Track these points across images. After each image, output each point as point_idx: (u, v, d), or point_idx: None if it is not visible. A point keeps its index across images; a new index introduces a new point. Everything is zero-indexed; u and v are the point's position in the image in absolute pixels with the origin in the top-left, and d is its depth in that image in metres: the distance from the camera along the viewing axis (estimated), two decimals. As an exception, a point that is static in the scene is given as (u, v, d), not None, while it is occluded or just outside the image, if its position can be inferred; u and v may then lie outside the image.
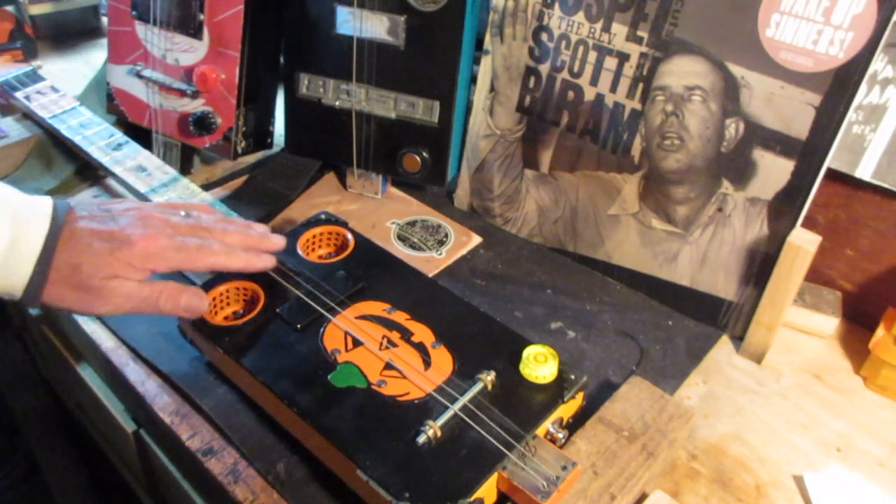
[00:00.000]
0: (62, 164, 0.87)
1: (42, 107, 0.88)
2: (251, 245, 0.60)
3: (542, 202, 0.80)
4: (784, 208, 0.66)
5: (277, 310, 0.61)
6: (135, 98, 0.87)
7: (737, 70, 0.65)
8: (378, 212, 0.85)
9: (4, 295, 0.52)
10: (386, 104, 0.80)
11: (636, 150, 0.72)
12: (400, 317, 0.61)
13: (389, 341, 0.59)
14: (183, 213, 0.59)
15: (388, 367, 0.57)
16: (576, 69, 0.73)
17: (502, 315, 0.71)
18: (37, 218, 0.51)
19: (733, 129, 0.66)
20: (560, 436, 0.54)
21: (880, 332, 0.69)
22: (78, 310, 0.54)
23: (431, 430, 0.51)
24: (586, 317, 0.73)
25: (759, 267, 0.69)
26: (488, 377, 0.55)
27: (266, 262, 0.61)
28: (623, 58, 0.70)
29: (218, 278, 0.64)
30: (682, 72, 0.67)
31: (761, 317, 0.68)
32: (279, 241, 0.63)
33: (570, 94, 0.75)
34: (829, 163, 0.64)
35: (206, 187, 0.83)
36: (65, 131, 0.84)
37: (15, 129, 0.90)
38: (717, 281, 0.72)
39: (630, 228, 0.75)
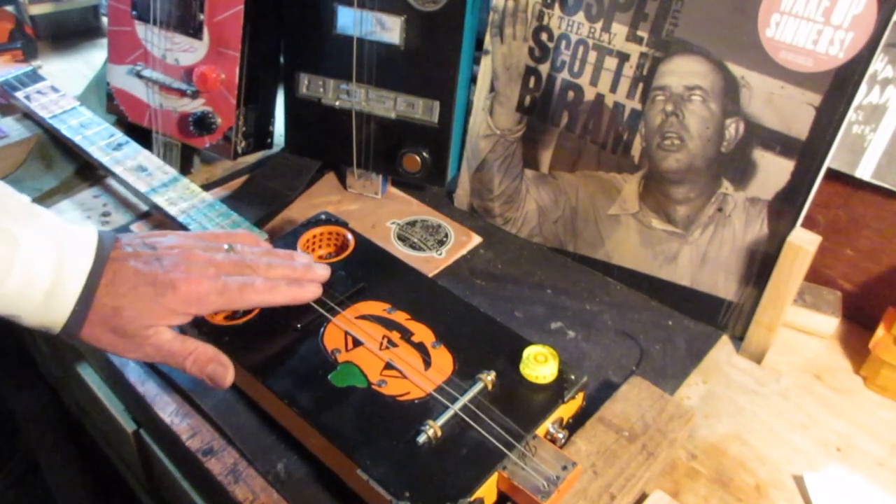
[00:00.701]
0: (62, 164, 0.87)
1: (42, 107, 0.88)
2: (296, 278, 0.59)
3: (542, 202, 0.80)
4: (784, 208, 0.66)
5: (277, 310, 0.61)
6: (135, 98, 0.87)
7: (737, 70, 0.65)
8: (378, 212, 0.85)
9: (42, 329, 0.52)
10: (386, 104, 0.80)
11: (636, 150, 0.72)
12: (400, 317, 0.61)
13: (389, 341, 0.59)
14: (226, 246, 0.58)
15: (389, 366, 0.57)
16: (576, 69, 0.73)
17: (502, 315, 0.71)
18: (81, 253, 0.51)
19: (733, 129, 0.66)
20: (560, 436, 0.54)
21: (880, 332, 0.69)
22: (110, 351, 0.54)
23: (431, 429, 0.51)
24: (586, 317, 0.73)
25: (759, 267, 0.69)
26: (488, 377, 0.55)
27: (312, 292, 0.60)
28: (623, 58, 0.70)
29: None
30: (682, 72, 0.67)
31: (761, 317, 0.68)
32: (324, 272, 0.61)
33: (570, 94, 0.75)
34: (829, 163, 0.64)
35: (206, 187, 0.83)
36: (65, 131, 0.84)
37: (15, 129, 0.90)
38: (717, 281, 0.72)
39: (630, 228, 0.75)
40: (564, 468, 0.50)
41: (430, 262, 0.78)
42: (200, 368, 0.55)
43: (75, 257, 0.51)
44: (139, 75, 0.85)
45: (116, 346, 0.53)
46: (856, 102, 0.61)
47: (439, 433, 0.51)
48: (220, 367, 0.55)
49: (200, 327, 0.59)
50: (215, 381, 0.55)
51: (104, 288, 0.51)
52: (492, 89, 0.79)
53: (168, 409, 0.60)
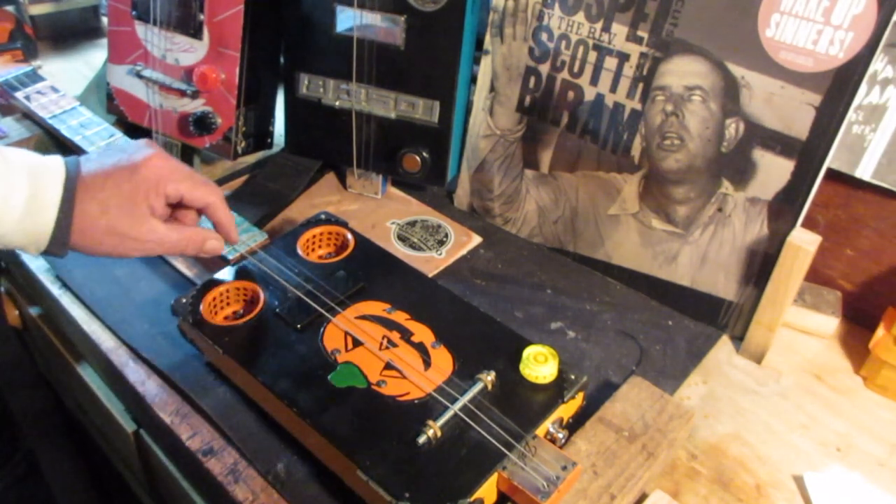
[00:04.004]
0: (62, 164, 0.87)
1: (42, 107, 0.88)
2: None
3: (542, 202, 0.80)
4: (784, 208, 0.66)
5: (277, 310, 0.61)
6: (135, 98, 0.87)
7: (737, 70, 0.65)
8: (378, 212, 0.85)
9: (31, 247, 0.53)
10: (386, 104, 0.80)
11: (636, 150, 0.72)
12: (400, 317, 0.61)
13: (389, 341, 0.59)
14: None
15: (389, 367, 0.57)
16: (576, 69, 0.73)
17: (502, 315, 0.71)
18: (52, 165, 0.53)
19: (733, 129, 0.66)
20: (560, 436, 0.54)
21: (880, 332, 0.69)
22: (113, 254, 0.56)
23: (431, 430, 0.51)
24: (586, 317, 0.73)
25: (759, 267, 0.69)
26: (488, 377, 0.55)
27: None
28: (623, 58, 0.70)
29: (217, 279, 0.64)
30: (682, 72, 0.67)
31: (761, 317, 0.68)
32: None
33: (570, 94, 0.75)
34: (829, 163, 0.64)
35: (206, 187, 0.83)
36: (65, 131, 0.84)
37: (15, 129, 0.90)
38: (717, 281, 0.72)
39: (630, 228, 0.75)
40: (564, 468, 0.50)
41: (430, 262, 0.78)
42: (198, 248, 0.60)
43: (47, 171, 0.53)
44: (139, 75, 0.85)
45: (118, 247, 0.56)
46: (856, 102, 0.61)
47: (439, 433, 0.51)
48: (215, 241, 0.62)
49: (201, 327, 0.60)
50: (214, 252, 0.62)
51: (83, 193, 0.53)
52: (492, 89, 0.79)
53: (168, 409, 0.60)
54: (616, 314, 0.73)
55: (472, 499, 0.48)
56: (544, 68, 0.75)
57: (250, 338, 0.59)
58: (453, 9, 0.74)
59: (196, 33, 0.81)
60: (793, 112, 0.63)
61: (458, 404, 0.53)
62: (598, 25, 0.71)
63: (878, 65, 0.64)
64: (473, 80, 0.82)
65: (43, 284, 0.73)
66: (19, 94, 0.90)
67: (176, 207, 0.61)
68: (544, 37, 0.74)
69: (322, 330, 0.60)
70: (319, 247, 0.71)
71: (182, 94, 0.83)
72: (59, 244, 0.53)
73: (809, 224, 0.69)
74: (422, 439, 0.51)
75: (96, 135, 0.83)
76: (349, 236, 0.70)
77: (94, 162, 0.56)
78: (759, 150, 0.66)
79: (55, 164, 0.54)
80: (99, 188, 0.54)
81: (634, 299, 0.76)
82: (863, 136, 0.67)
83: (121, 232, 0.55)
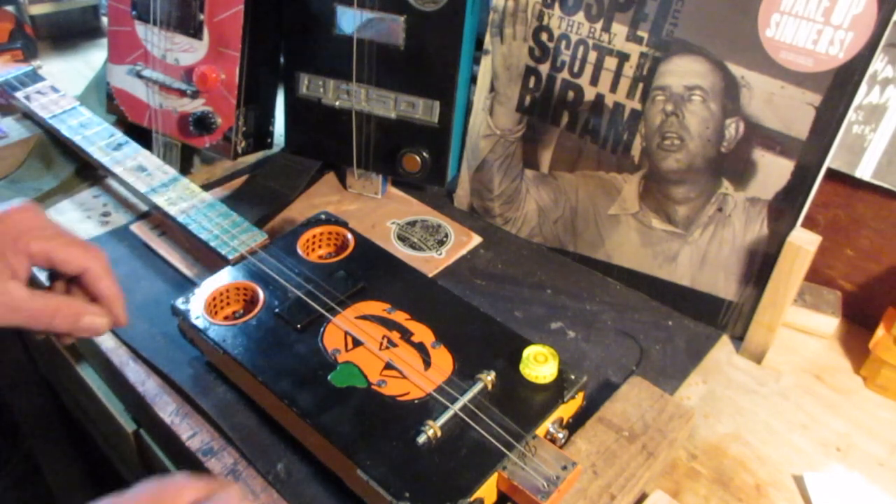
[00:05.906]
0: (62, 164, 0.87)
1: (42, 107, 0.88)
2: None
3: (542, 202, 0.80)
4: (784, 208, 0.66)
5: (277, 310, 0.61)
6: (135, 98, 0.87)
7: (737, 70, 0.65)
8: (378, 212, 0.85)
9: None
10: (386, 104, 0.80)
11: (636, 150, 0.72)
12: (400, 317, 0.61)
13: (389, 341, 0.59)
14: None
15: (389, 367, 0.57)
16: (576, 69, 0.73)
17: (502, 315, 0.71)
18: None
19: (733, 129, 0.66)
20: (560, 436, 0.54)
21: (880, 332, 0.69)
22: None
23: (431, 430, 0.51)
24: (586, 317, 0.73)
25: (759, 267, 0.69)
26: (488, 377, 0.55)
27: None
28: (623, 58, 0.70)
29: (217, 278, 0.64)
30: (682, 72, 0.67)
31: (761, 317, 0.68)
32: None
33: (570, 94, 0.75)
34: (829, 163, 0.64)
35: (206, 187, 0.83)
36: (65, 131, 0.84)
37: (15, 129, 0.90)
38: (717, 281, 0.72)
39: (630, 228, 0.75)
40: (564, 468, 0.50)
41: (430, 262, 0.78)
42: (71, 323, 0.50)
43: None
44: (139, 75, 0.85)
45: None
46: (856, 102, 0.61)
47: (439, 433, 0.51)
48: (96, 318, 0.51)
49: (201, 328, 0.59)
50: (94, 331, 0.51)
51: None
52: (492, 89, 0.79)
53: (168, 409, 0.60)
54: (616, 314, 0.73)
55: (472, 499, 0.48)
56: (544, 68, 0.75)
57: (250, 338, 0.59)
58: (453, 9, 0.74)
59: (196, 33, 0.81)
60: (793, 112, 0.63)
61: (458, 404, 0.53)
62: (598, 25, 0.71)
63: (878, 65, 0.64)
64: (473, 80, 0.82)
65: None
66: (19, 94, 0.90)
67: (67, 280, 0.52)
68: (544, 37, 0.74)
69: (322, 330, 0.60)
70: (319, 247, 0.71)
71: (182, 94, 0.83)
72: None
73: (809, 224, 0.69)
74: (422, 439, 0.51)
75: (96, 135, 0.83)
76: (349, 236, 0.70)
77: None
78: (759, 150, 0.66)
79: None
80: None
81: (634, 299, 0.76)
82: (863, 136, 0.67)
83: None
